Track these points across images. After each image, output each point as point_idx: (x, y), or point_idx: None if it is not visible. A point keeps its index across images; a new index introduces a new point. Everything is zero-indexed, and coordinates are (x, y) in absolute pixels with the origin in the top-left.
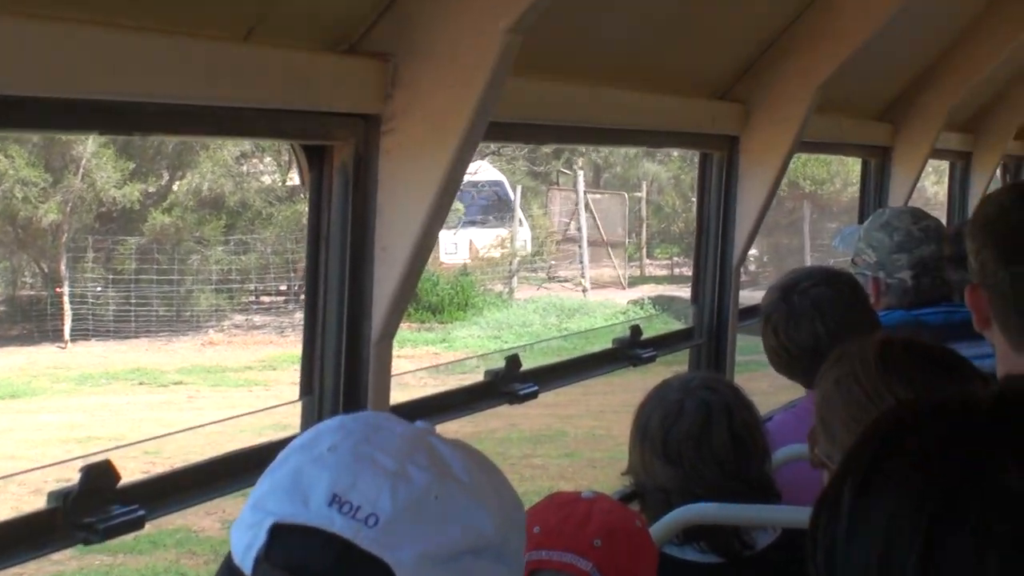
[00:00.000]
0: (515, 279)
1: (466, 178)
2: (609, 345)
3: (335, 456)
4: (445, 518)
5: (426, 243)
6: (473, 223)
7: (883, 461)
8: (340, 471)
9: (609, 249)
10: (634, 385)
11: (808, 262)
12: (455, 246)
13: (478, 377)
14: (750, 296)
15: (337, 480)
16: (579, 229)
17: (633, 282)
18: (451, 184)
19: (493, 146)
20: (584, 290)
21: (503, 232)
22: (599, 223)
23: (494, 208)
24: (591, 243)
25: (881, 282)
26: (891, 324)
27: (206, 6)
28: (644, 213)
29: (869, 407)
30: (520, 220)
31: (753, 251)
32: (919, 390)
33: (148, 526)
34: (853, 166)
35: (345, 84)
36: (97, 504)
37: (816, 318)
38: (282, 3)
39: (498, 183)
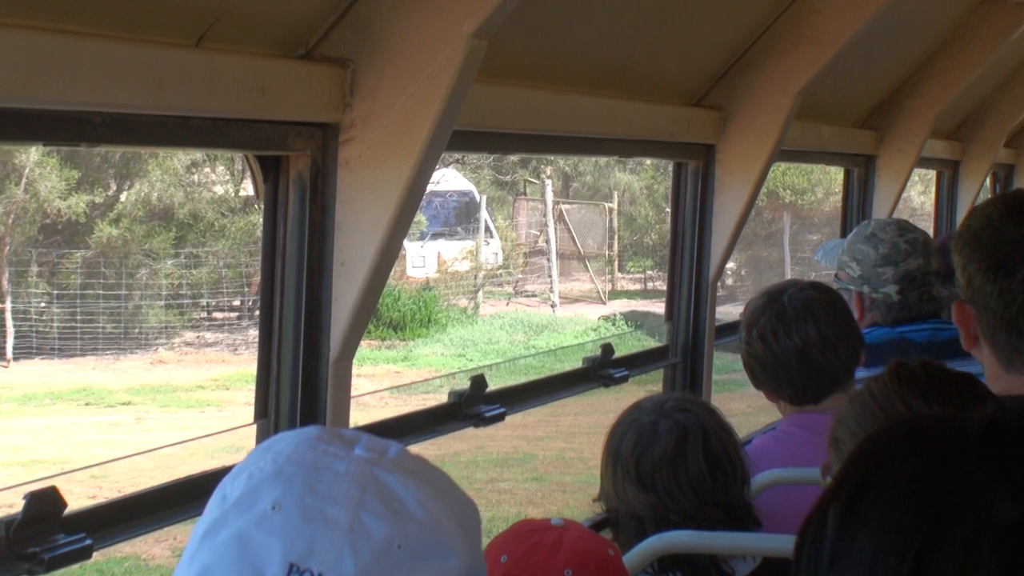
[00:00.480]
0: (480, 294)
1: (432, 187)
2: (579, 364)
3: (281, 516)
4: (412, 564)
5: (387, 257)
6: (441, 234)
7: (870, 486)
8: (291, 535)
9: (587, 262)
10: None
11: (788, 275)
12: (423, 259)
13: (442, 397)
14: (727, 312)
15: (291, 547)
16: (547, 241)
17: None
18: (413, 196)
19: (457, 154)
20: (553, 305)
21: (472, 244)
22: (574, 235)
23: (463, 218)
24: (564, 256)
25: (865, 297)
26: (874, 342)
27: (155, 11)
28: (616, 225)
29: (880, 417)
30: (490, 231)
31: (730, 265)
32: (933, 407)
33: (95, 554)
34: (835, 175)
35: (301, 92)
36: (42, 532)
37: (808, 320)
38: (235, 7)
39: (467, 192)
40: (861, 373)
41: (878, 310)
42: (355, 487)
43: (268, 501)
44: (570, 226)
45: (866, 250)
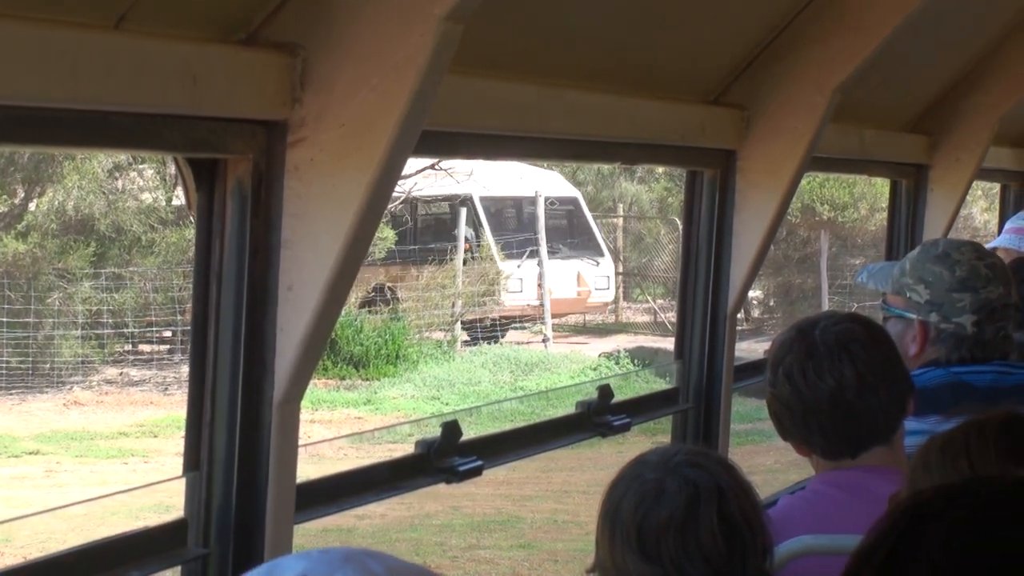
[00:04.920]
0: (458, 325)
1: (532, 192)
2: (573, 409)
3: (323, 555)
4: None
5: (343, 281)
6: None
7: (897, 565)
8: (321, 563)
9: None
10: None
11: (825, 307)
12: (520, 282)
13: (411, 447)
14: (752, 349)
15: (314, 568)
16: (539, 263)
17: (604, 330)
18: (374, 208)
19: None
20: (545, 340)
21: (585, 264)
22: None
23: (566, 233)
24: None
25: (931, 327)
26: (926, 385)
27: None
28: (620, 244)
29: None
30: (598, 246)
31: (756, 293)
32: None
33: None
34: (882, 187)
35: (241, 83)
36: None
37: (843, 358)
38: None
39: (571, 199)
40: (912, 424)
41: (945, 344)
42: (404, 569)
43: (320, 550)
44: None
45: (939, 272)
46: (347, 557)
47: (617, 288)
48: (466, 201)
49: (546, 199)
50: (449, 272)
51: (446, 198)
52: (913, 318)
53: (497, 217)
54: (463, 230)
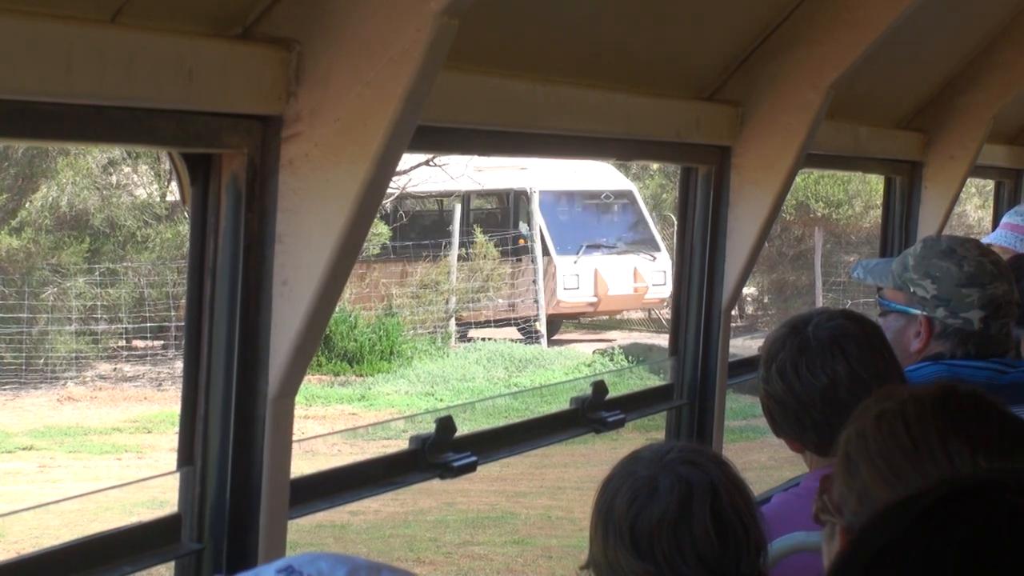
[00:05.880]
0: (452, 321)
1: (586, 186)
2: (567, 405)
3: (312, 554)
4: None
5: (337, 276)
6: (597, 247)
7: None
8: (308, 558)
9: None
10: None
11: (820, 303)
12: (576, 279)
13: (405, 443)
14: (746, 346)
15: (298, 558)
16: (533, 260)
17: (599, 327)
18: (369, 203)
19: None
20: (539, 336)
21: (642, 259)
22: None
23: (623, 227)
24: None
25: (937, 322)
26: (922, 380)
27: None
28: None
29: (911, 459)
30: (654, 241)
31: (750, 290)
32: (979, 457)
33: None
34: (877, 184)
35: (236, 77)
36: None
37: (836, 354)
38: None
39: (626, 192)
40: None
41: (950, 340)
42: (391, 572)
43: (311, 553)
44: None
45: (947, 267)
46: (329, 556)
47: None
48: (521, 196)
49: (601, 193)
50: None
51: (503, 191)
52: (917, 313)
53: (550, 212)
54: (455, 228)
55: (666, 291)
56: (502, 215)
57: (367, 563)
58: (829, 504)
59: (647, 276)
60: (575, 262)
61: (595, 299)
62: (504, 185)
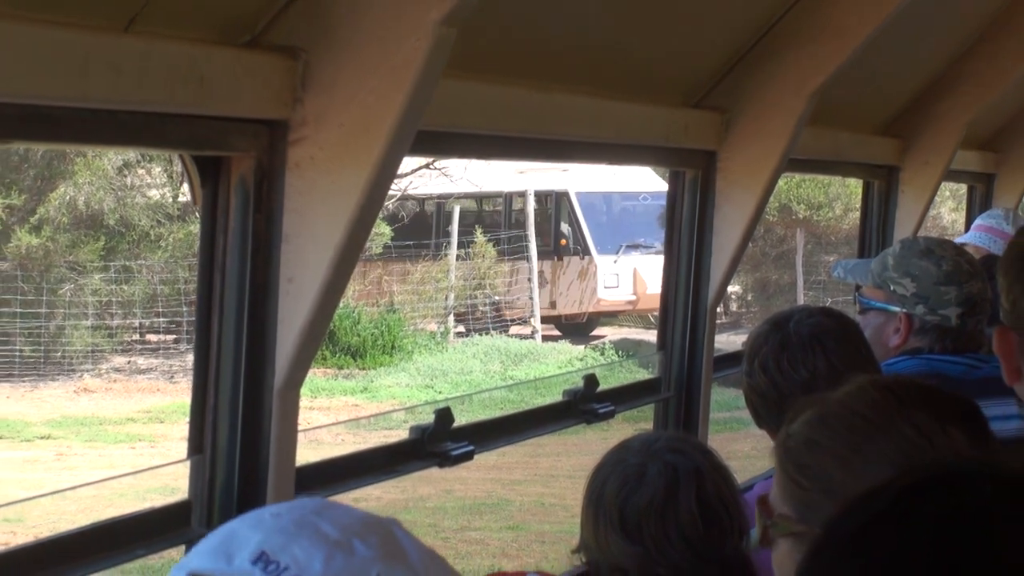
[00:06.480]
0: (451, 317)
1: (624, 188)
2: (560, 398)
3: (275, 520)
4: None
5: (341, 273)
6: (636, 247)
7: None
8: (275, 533)
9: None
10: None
11: (801, 301)
12: (616, 278)
13: (405, 433)
14: (731, 341)
15: (268, 540)
16: (527, 259)
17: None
18: (371, 204)
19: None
20: (534, 332)
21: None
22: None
23: (660, 228)
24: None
25: (916, 319)
26: (902, 372)
27: None
28: None
29: (874, 432)
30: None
31: (735, 288)
32: (948, 426)
33: None
34: (856, 188)
35: (245, 84)
36: None
37: (816, 350)
38: None
39: (664, 194)
40: None
41: (929, 335)
42: (361, 523)
43: (272, 511)
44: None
45: (926, 266)
46: (299, 523)
47: None
48: (561, 197)
49: (639, 194)
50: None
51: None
52: (897, 310)
53: (589, 212)
54: (454, 228)
55: None
56: (540, 216)
57: (338, 537)
58: (785, 519)
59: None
60: (615, 261)
61: (634, 297)
62: (546, 187)
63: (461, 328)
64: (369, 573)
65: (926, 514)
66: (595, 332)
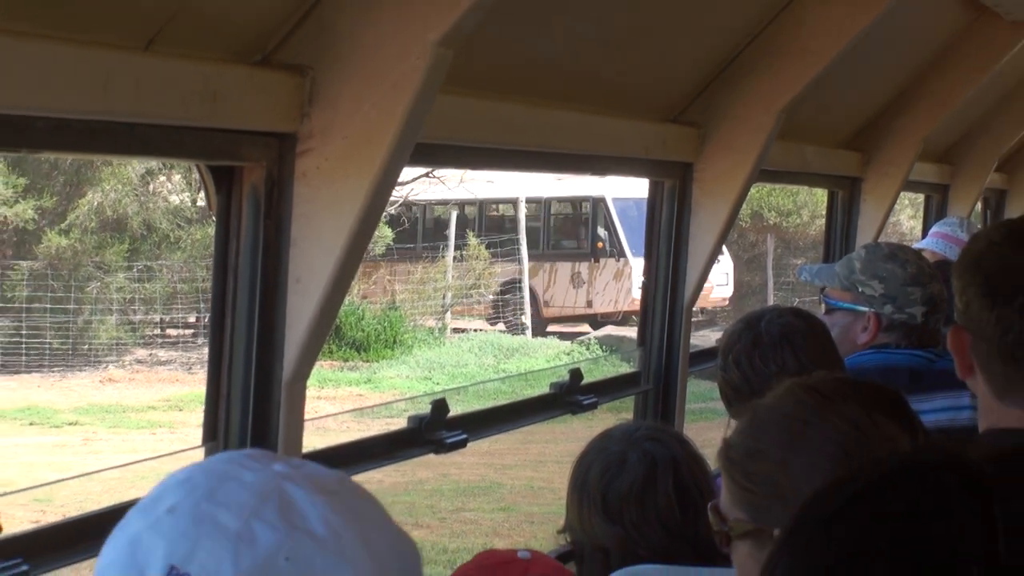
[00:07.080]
0: (448, 314)
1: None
2: (548, 390)
3: (173, 519)
4: None
5: (345, 274)
6: None
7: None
8: (177, 538)
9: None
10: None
11: (771, 301)
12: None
13: (405, 422)
14: (705, 338)
15: (174, 549)
16: (519, 261)
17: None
18: (373, 210)
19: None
20: (525, 328)
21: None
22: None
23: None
24: None
25: (884, 318)
26: (865, 365)
27: (102, 11)
28: None
29: (804, 433)
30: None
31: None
32: (875, 416)
33: None
34: (822, 196)
35: (257, 99)
36: None
37: (786, 348)
38: (187, 8)
39: None
40: None
41: (896, 333)
42: (254, 497)
43: (166, 504)
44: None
45: (892, 269)
46: (197, 519)
47: None
48: (599, 202)
49: None
50: (441, 268)
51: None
52: (865, 310)
53: (624, 217)
54: (451, 232)
55: (728, 291)
56: (575, 221)
57: (238, 527)
58: (739, 522)
59: (712, 276)
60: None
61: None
62: (581, 193)
63: (502, 326)
64: (277, 562)
65: (892, 511)
66: (580, 328)
